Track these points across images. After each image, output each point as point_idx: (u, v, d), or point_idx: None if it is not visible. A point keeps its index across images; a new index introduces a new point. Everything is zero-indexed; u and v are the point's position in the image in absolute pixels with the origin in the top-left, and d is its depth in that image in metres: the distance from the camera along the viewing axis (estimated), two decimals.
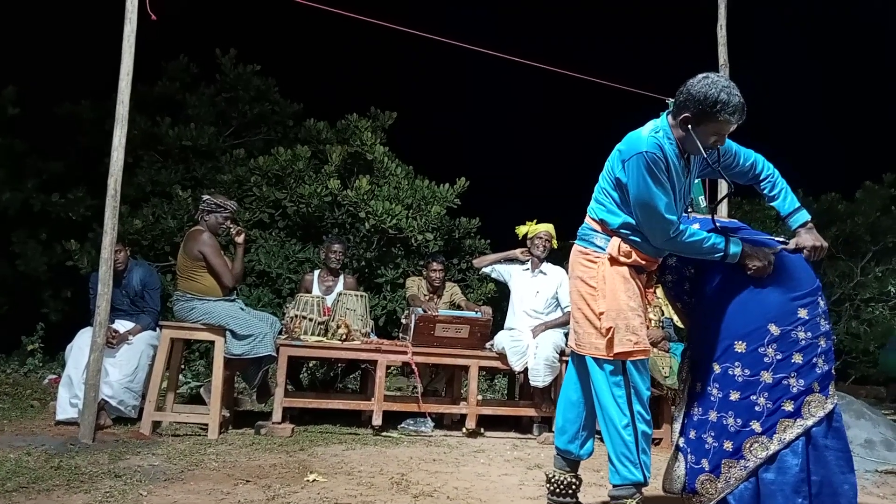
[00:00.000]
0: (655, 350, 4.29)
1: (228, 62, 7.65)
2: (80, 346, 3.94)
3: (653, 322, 4.44)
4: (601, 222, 2.42)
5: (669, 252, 2.42)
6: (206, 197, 4.27)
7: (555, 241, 4.82)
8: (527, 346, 4.45)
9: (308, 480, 2.97)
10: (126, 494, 2.63)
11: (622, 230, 2.38)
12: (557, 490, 2.55)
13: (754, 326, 2.22)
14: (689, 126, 2.26)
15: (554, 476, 2.56)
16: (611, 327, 2.32)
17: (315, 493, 2.80)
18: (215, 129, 7.46)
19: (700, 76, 2.28)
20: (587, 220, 2.50)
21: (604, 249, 2.39)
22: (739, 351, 2.23)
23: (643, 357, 2.37)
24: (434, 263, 5.14)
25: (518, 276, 4.83)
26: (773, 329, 2.21)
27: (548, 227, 4.78)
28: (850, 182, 8.85)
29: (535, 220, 4.84)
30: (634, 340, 2.31)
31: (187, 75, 7.83)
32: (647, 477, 2.34)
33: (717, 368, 2.30)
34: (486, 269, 4.99)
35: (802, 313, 2.23)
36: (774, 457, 2.15)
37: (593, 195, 2.50)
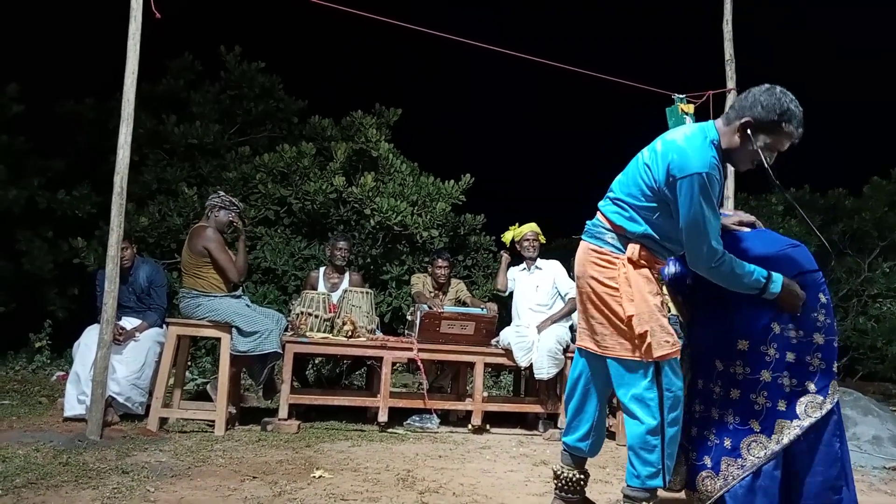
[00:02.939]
0: None
1: (233, 60, 7.66)
2: (88, 343, 3.96)
3: None
4: (619, 227, 2.30)
5: (712, 279, 2.25)
6: (221, 193, 4.27)
7: (541, 237, 4.96)
8: (532, 341, 4.45)
9: (314, 476, 2.98)
10: (133, 490, 2.64)
11: (641, 239, 2.27)
12: (565, 486, 2.52)
13: (757, 325, 2.21)
14: (750, 131, 2.13)
15: (561, 472, 2.53)
16: (646, 331, 2.20)
17: (321, 489, 2.80)
18: (220, 127, 7.48)
19: (765, 86, 2.16)
20: (600, 216, 2.37)
21: (621, 251, 2.28)
22: (742, 349, 2.21)
23: (675, 356, 2.27)
24: (439, 260, 5.14)
25: (517, 277, 4.95)
26: (776, 327, 2.19)
27: (531, 227, 4.92)
28: (857, 177, 8.81)
29: (516, 224, 4.95)
30: (672, 341, 2.22)
31: (192, 73, 7.84)
32: (669, 480, 2.26)
33: (719, 366, 2.28)
34: (510, 285, 5.01)
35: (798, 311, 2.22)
36: (772, 456, 2.14)
37: (612, 194, 2.36)
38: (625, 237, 2.29)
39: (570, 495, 2.52)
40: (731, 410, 2.22)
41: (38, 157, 7.35)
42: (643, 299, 2.22)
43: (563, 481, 2.52)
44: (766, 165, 2.15)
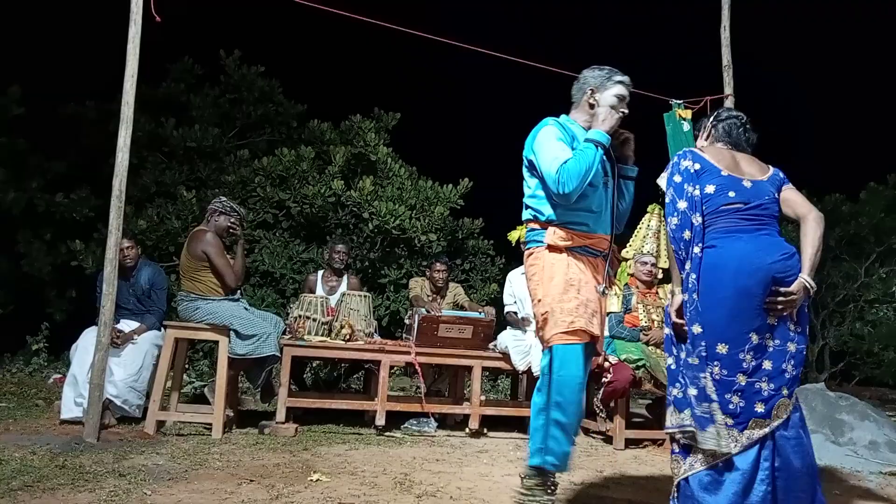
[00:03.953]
0: (658, 350, 4.29)
1: (232, 63, 7.68)
2: (85, 346, 3.96)
3: (655, 322, 4.44)
4: (536, 220, 2.51)
5: (577, 194, 2.40)
6: (223, 199, 4.27)
7: None
8: (530, 345, 4.46)
9: (311, 480, 2.98)
10: (130, 494, 2.64)
11: (555, 219, 2.46)
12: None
13: (738, 333, 2.27)
14: (596, 96, 2.55)
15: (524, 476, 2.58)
16: (546, 312, 2.37)
17: (318, 492, 2.80)
18: (219, 130, 7.50)
19: (589, 67, 2.63)
20: (528, 225, 2.57)
21: (543, 243, 2.46)
22: (721, 352, 2.28)
23: (577, 341, 2.37)
24: (437, 264, 5.15)
25: (517, 280, 4.91)
26: (754, 338, 2.27)
27: None
28: (853, 183, 8.84)
29: (524, 224, 4.90)
30: (570, 321, 2.35)
31: (191, 76, 7.86)
32: (551, 462, 2.38)
33: (695, 362, 2.34)
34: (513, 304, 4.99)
35: (771, 320, 2.30)
36: (741, 450, 2.23)
37: (523, 202, 2.60)
38: (544, 228, 2.47)
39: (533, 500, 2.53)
40: (706, 404, 2.27)
41: (38, 159, 7.36)
42: (551, 283, 2.39)
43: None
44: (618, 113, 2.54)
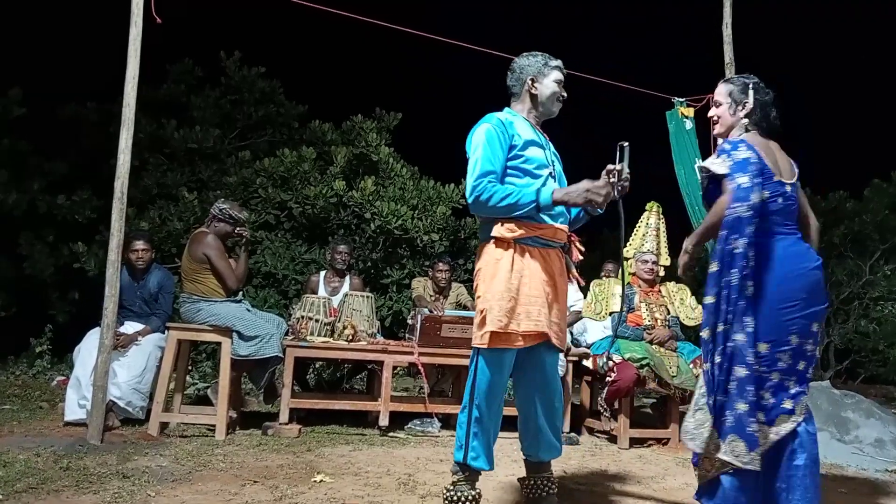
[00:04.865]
0: (662, 349, 4.27)
1: (233, 64, 7.68)
2: (88, 348, 3.95)
3: (659, 321, 4.42)
4: (485, 217, 2.49)
5: (484, 215, 2.45)
6: (224, 206, 4.16)
7: None
8: None
9: (315, 481, 2.97)
10: (134, 495, 2.63)
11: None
12: (530, 492, 2.65)
13: (778, 334, 2.29)
14: (536, 84, 2.56)
15: (524, 479, 2.67)
16: (483, 310, 2.38)
17: (322, 493, 2.80)
18: (220, 132, 7.49)
19: (519, 56, 2.63)
20: (480, 221, 2.57)
21: (491, 237, 2.46)
22: (761, 350, 2.30)
23: (504, 346, 2.39)
24: (440, 264, 5.14)
25: None
26: (794, 340, 2.30)
27: None
28: (857, 180, 8.80)
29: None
30: (505, 322, 2.35)
31: (192, 78, 7.86)
32: (472, 458, 2.45)
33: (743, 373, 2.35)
34: None
35: (815, 327, 2.34)
36: (770, 444, 2.27)
37: None
38: (493, 222, 2.45)
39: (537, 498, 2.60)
40: (741, 401, 2.27)
41: (39, 161, 7.36)
42: (493, 280, 2.39)
43: (524, 486, 2.67)
44: (563, 96, 2.62)
